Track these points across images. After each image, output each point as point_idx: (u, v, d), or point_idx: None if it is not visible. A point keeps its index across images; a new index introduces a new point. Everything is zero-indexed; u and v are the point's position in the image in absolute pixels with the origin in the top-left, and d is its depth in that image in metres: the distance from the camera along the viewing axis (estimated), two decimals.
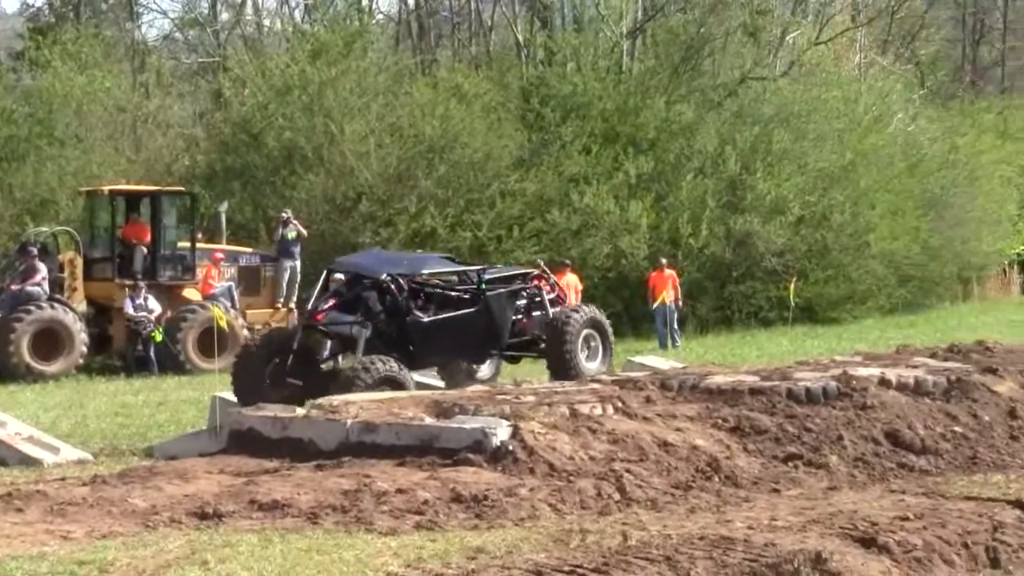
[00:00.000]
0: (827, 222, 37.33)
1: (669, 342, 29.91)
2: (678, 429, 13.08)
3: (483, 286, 17.92)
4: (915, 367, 15.90)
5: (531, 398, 13.83)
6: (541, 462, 11.89)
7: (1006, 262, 47.57)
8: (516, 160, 35.87)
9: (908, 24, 57.79)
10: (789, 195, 36.32)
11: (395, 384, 15.60)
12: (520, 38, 42.27)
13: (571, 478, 11.61)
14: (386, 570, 8.85)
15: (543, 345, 18.29)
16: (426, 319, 17.35)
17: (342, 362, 17.16)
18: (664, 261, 31.41)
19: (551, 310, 18.50)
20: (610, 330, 18.73)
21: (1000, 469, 13.24)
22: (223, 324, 22.20)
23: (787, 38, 42.73)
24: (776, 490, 12.04)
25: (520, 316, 18.47)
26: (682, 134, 37.32)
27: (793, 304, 32.94)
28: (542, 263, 22.44)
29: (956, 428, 14.08)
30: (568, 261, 29.59)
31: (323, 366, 17.14)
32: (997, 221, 45.10)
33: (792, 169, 37.12)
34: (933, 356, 17.19)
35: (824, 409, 13.89)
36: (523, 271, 19.67)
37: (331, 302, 17.26)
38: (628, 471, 11.86)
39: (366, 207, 34.38)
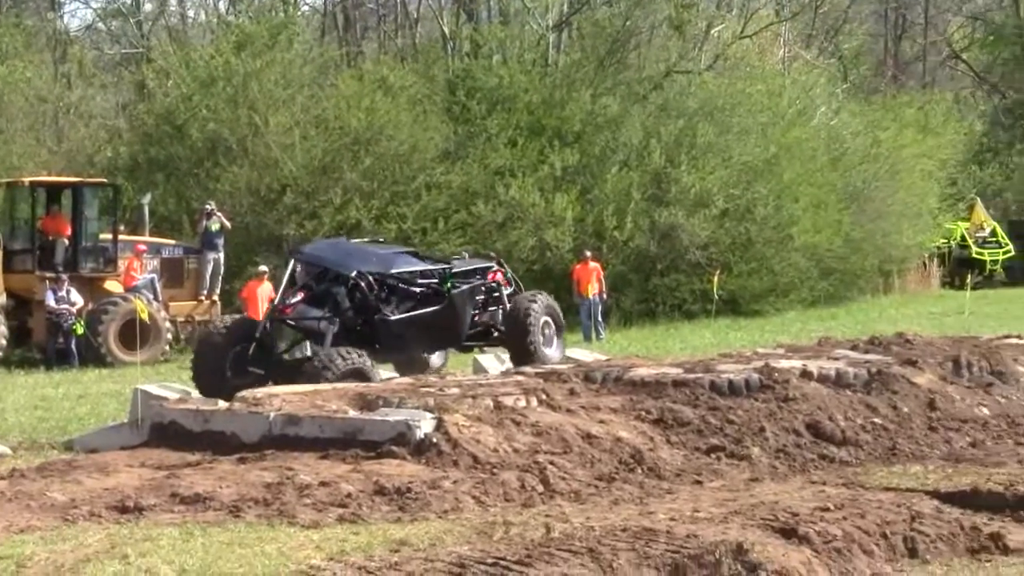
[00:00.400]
0: (751, 215, 37.50)
1: (593, 335, 29.99)
2: (602, 421, 13.12)
3: (449, 285, 18.03)
4: (836, 359, 16.01)
5: (455, 390, 13.83)
6: (465, 454, 11.89)
7: (926, 255, 47.91)
8: (442, 152, 35.82)
9: (831, 19, 58.30)
10: (713, 188, 36.44)
11: (361, 376, 15.67)
12: (446, 30, 42.16)
13: (495, 470, 11.62)
14: (308, 563, 8.81)
15: (496, 334, 18.82)
16: (393, 317, 17.47)
17: (308, 351, 17.26)
18: (588, 254, 31.52)
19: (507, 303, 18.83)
20: (561, 316, 19.09)
21: (919, 460, 13.37)
22: (145, 317, 22.07)
23: (712, 32, 42.85)
24: (699, 482, 12.11)
25: (476, 311, 18.74)
26: (607, 127, 37.36)
27: (716, 297, 33.01)
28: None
29: (876, 419, 14.21)
30: (493, 254, 29.54)
31: (285, 356, 17.18)
32: (918, 215, 45.45)
33: (716, 162, 37.25)
34: (854, 348, 17.31)
35: (746, 401, 13.99)
36: (483, 266, 19.83)
37: (300, 295, 17.31)
38: (552, 463, 11.89)
39: (291, 199, 34.20)
